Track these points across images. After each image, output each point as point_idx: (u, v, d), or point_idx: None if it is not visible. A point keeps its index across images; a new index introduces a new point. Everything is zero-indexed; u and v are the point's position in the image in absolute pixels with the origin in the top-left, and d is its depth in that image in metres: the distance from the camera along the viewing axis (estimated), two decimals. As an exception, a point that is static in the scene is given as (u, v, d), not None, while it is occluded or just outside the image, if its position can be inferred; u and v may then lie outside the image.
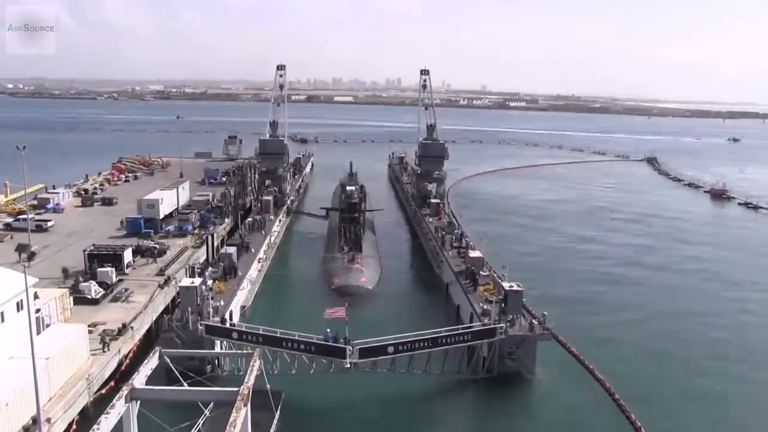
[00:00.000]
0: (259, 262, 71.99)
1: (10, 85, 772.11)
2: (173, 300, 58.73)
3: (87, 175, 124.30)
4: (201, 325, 48.55)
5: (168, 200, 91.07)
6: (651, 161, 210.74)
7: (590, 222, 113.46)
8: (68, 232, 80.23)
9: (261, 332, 47.22)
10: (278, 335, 46.88)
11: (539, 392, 48.76)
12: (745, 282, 78.96)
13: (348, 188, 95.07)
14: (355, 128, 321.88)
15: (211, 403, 34.83)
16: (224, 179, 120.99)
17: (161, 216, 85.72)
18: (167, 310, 57.44)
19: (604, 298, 70.41)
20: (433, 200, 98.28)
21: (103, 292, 57.79)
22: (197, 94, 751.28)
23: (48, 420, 36.61)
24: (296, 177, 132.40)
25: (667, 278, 79.05)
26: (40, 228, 79.42)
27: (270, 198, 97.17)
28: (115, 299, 57.51)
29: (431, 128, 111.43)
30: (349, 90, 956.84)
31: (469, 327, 51.15)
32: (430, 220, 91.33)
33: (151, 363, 34.94)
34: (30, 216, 78.41)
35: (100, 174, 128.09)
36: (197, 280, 52.10)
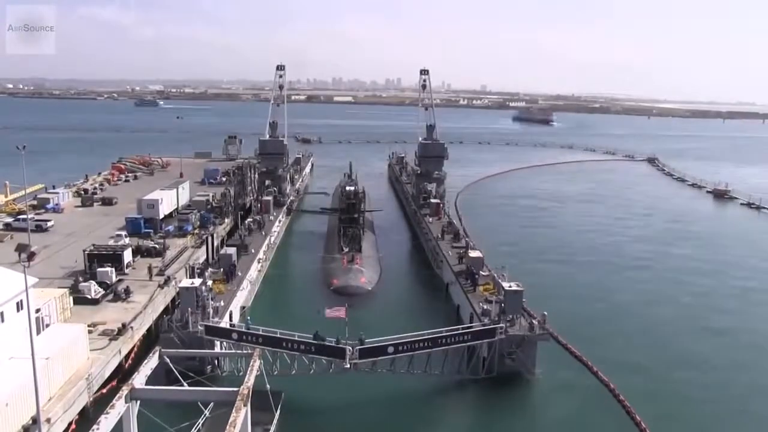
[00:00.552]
0: (258, 262, 72.00)
1: (10, 85, 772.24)
2: (173, 300, 58.83)
3: (87, 175, 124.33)
4: (201, 325, 48.54)
5: (168, 200, 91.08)
6: (652, 161, 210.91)
7: (591, 222, 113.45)
8: (68, 232, 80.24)
9: (261, 333, 47.20)
10: (278, 336, 46.89)
11: (539, 392, 48.74)
12: (750, 281, 78.88)
13: (347, 188, 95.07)
14: (358, 129, 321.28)
15: (211, 403, 34.89)
16: (224, 179, 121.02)
17: (161, 216, 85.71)
18: (167, 310, 57.59)
19: (604, 297, 70.30)
20: (432, 200, 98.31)
21: (103, 292, 57.80)
22: (197, 94, 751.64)
23: (48, 420, 36.62)
24: (296, 177, 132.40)
25: (668, 278, 79.02)
26: (39, 228, 79.44)
27: (270, 198, 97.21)
28: (114, 299, 57.54)
29: (431, 128, 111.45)
30: (348, 90, 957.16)
31: (469, 327, 51.15)
32: (430, 220, 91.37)
33: (151, 363, 34.97)
34: (30, 216, 78.39)
35: (100, 174, 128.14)
36: (197, 281, 52.12)
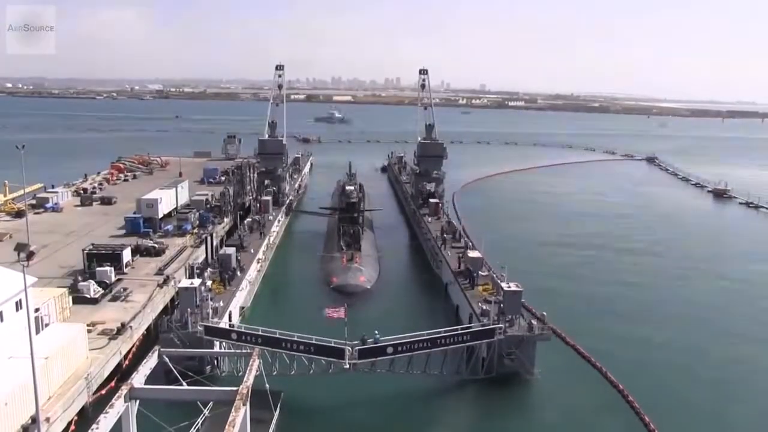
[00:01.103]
0: (258, 262, 72.00)
1: (9, 85, 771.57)
2: (172, 300, 58.85)
3: (86, 175, 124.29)
4: (200, 326, 48.55)
5: (167, 199, 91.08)
6: (651, 161, 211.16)
7: (591, 222, 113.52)
8: (67, 232, 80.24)
9: (260, 333, 47.21)
10: (277, 336, 46.90)
11: (538, 392, 48.78)
12: (751, 279, 79.03)
13: (347, 188, 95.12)
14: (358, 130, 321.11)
15: (211, 403, 34.89)
16: (223, 179, 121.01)
17: (160, 215, 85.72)
18: (166, 310, 57.60)
19: (604, 297, 70.38)
20: (432, 200, 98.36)
21: (102, 291, 57.79)
22: (196, 94, 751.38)
23: (47, 419, 36.61)
24: (295, 177, 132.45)
25: (669, 278, 79.14)
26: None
27: (269, 198, 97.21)
28: (114, 299, 57.55)
29: (430, 128, 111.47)
30: (348, 89, 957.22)
31: (468, 327, 51.15)
32: (429, 219, 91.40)
33: (150, 362, 34.97)
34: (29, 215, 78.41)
35: (99, 173, 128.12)
36: (196, 281, 52.08)
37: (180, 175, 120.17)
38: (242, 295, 62.72)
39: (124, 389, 30.74)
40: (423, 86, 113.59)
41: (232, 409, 29.08)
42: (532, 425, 45.59)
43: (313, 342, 46.04)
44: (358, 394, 46.65)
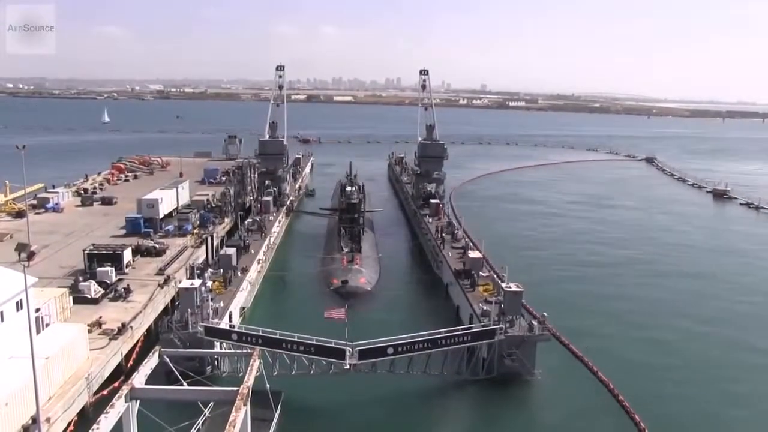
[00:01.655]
0: (258, 263, 72.01)
1: (10, 85, 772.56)
2: (173, 300, 58.88)
3: (87, 175, 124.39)
4: (200, 326, 48.56)
5: (168, 200, 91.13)
6: (650, 161, 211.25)
7: (591, 222, 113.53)
8: (68, 232, 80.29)
9: (260, 334, 47.20)
10: (277, 337, 46.89)
11: (539, 393, 48.76)
12: (751, 282, 78.87)
13: (347, 188, 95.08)
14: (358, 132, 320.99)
15: (211, 403, 34.92)
16: (224, 179, 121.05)
17: (161, 215, 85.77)
18: (167, 310, 57.63)
19: (605, 298, 70.33)
20: (432, 200, 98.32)
21: (103, 291, 57.82)
22: (197, 94, 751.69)
23: (47, 419, 36.63)
24: (296, 177, 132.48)
25: (670, 278, 79.06)
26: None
27: (269, 199, 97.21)
28: (114, 299, 57.59)
29: (431, 128, 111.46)
30: (348, 90, 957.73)
31: (469, 328, 51.12)
32: (430, 220, 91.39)
33: (150, 363, 34.95)
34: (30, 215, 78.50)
35: (99, 173, 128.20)
36: (197, 282, 52.09)
37: (181, 175, 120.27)
38: (243, 296, 62.72)
39: (124, 389, 30.76)
40: (424, 87, 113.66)
41: (233, 410, 29.09)
42: (532, 426, 45.56)
43: (314, 343, 46.00)
44: (359, 394, 46.62)
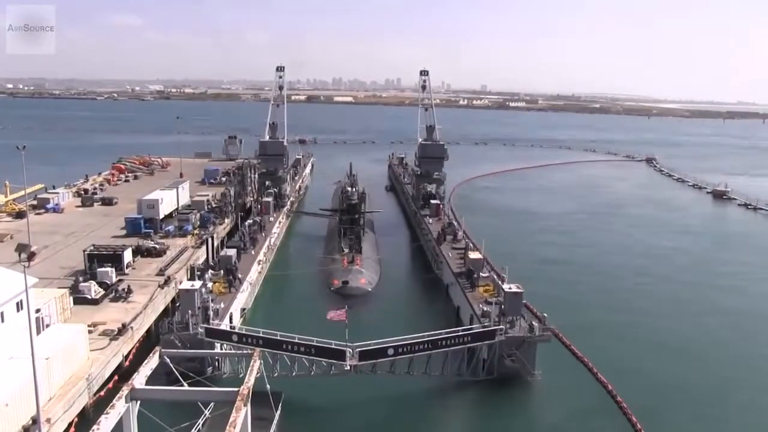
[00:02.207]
0: (259, 264, 72.00)
1: (10, 85, 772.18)
2: (173, 300, 58.85)
3: (87, 175, 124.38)
4: (201, 328, 48.54)
5: (168, 200, 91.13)
6: (650, 161, 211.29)
7: (591, 222, 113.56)
8: (68, 232, 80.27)
9: (261, 335, 47.19)
10: (278, 338, 46.87)
11: (539, 394, 48.74)
12: (752, 284, 78.73)
13: (348, 189, 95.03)
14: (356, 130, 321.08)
15: (212, 404, 34.88)
16: (224, 179, 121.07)
17: (161, 216, 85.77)
18: (167, 311, 57.60)
19: (605, 299, 70.31)
20: (433, 201, 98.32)
21: (103, 292, 57.81)
22: (197, 94, 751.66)
23: (48, 420, 36.64)
24: (296, 178, 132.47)
25: (670, 278, 79.06)
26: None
27: (270, 199, 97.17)
28: (115, 299, 57.57)
29: (431, 129, 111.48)
30: (348, 90, 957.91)
31: (469, 329, 51.10)
32: (430, 221, 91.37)
33: (151, 363, 34.94)
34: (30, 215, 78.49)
35: (100, 174, 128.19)
36: (197, 283, 52.10)
37: (181, 175, 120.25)
38: (243, 297, 62.68)
39: (125, 390, 30.75)
40: (424, 87, 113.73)
41: (233, 410, 29.08)
42: (532, 426, 45.57)
43: (314, 344, 46.02)
44: (359, 395, 46.60)
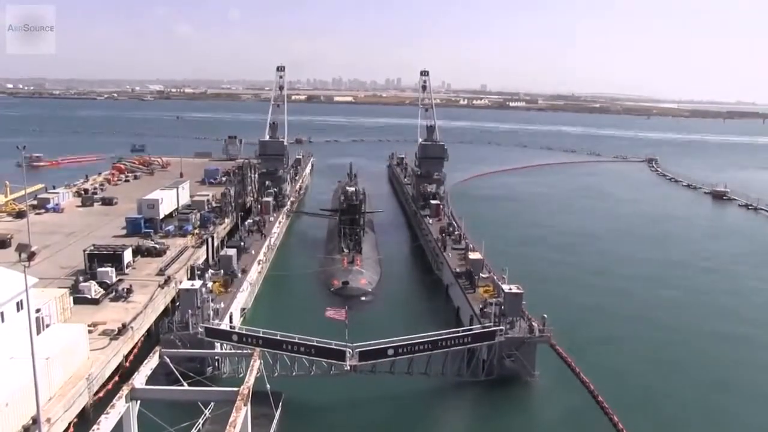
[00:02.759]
0: (259, 263, 72.02)
1: (10, 85, 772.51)
2: (173, 300, 58.86)
3: (87, 175, 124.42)
4: (201, 327, 48.57)
5: (168, 200, 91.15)
6: (650, 161, 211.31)
7: (591, 222, 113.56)
8: (68, 232, 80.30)
9: (261, 335, 47.22)
10: (278, 338, 46.91)
11: (538, 394, 48.81)
12: (749, 288, 78.62)
13: (348, 189, 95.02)
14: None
15: (212, 403, 34.91)
16: (224, 179, 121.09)
17: (161, 216, 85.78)
18: (167, 310, 57.60)
19: (604, 300, 70.16)
20: (433, 201, 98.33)
21: (103, 292, 57.83)
22: (197, 94, 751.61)
23: (48, 420, 36.65)
24: (296, 178, 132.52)
25: (670, 278, 79.07)
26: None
27: (270, 199, 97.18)
28: (115, 299, 57.59)
29: (431, 129, 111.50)
30: (348, 90, 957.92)
31: (469, 329, 51.16)
32: (430, 221, 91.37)
33: (151, 363, 34.92)
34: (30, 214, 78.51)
35: (100, 174, 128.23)
36: (197, 283, 52.11)
37: (181, 175, 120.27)
38: (243, 297, 62.71)
39: (125, 390, 30.74)
40: (424, 87, 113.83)
41: (233, 410, 29.09)
42: (532, 427, 45.63)
43: (314, 344, 46.07)
44: (359, 395, 46.66)
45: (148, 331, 53.78)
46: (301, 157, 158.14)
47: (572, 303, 67.39)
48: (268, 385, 34.99)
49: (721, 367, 54.26)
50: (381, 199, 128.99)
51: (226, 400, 30.97)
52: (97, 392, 43.42)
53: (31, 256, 67.13)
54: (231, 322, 54.95)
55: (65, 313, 50.95)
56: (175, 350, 41.83)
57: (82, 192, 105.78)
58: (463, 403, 48.20)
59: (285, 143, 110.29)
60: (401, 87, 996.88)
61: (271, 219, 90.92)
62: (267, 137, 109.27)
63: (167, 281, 62.21)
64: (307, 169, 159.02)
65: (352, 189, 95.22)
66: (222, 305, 54.48)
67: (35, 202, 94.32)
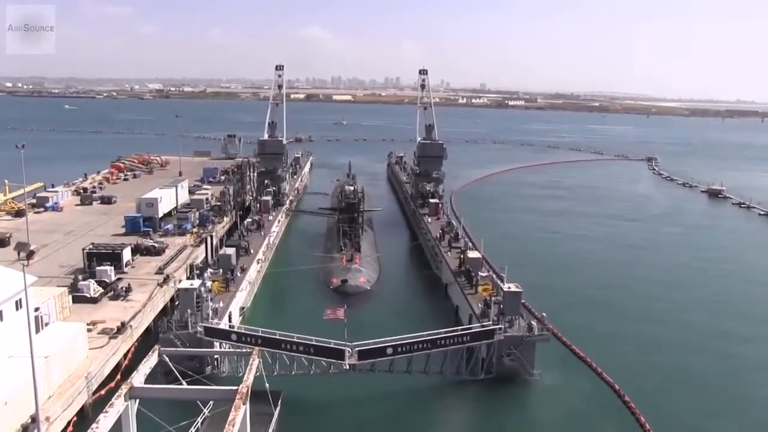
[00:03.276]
0: (258, 262, 72.02)
1: (9, 84, 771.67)
2: (172, 299, 58.89)
3: (86, 174, 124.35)
4: (200, 326, 48.57)
5: (167, 199, 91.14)
6: (650, 161, 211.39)
7: (591, 222, 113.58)
8: (67, 231, 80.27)
9: (260, 334, 47.22)
10: (277, 337, 46.91)
11: (537, 393, 48.80)
12: (748, 279, 78.87)
13: (347, 188, 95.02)
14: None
15: (210, 402, 34.94)
16: (223, 178, 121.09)
17: (160, 215, 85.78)
18: (166, 309, 57.63)
19: (604, 298, 70.15)
20: (432, 200, 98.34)
21: (102, 290, 57.83)
22: (196, 93, 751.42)
23: (47, 419, 36.67)
24: (295, 177, 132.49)
25: (669, 278, 79.12)
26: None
27: (269, 198, 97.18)
28: (114, 298, 57.60)
29: (430, 128, 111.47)
30: (347, 89, 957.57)
31: (468, 328, 51.15)
32: (429, 220, 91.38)
33: (150, 362, 34.98)
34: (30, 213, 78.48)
35: (99, 173, 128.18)
36: (196, 282, 52.07)
37: (180, 174, 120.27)
38: (242, 296, 62.73)
39: (124, 388, 30.78)
40: (423, 86, 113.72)
41: (232, 409, 29.12)
42: (531, 426, 45.64)
43: (313, 343, 46.06)
44: (358, 394, 46.67)
45: (147, 329, 53.80)
46: (300, 155, 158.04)
47: (571, 301, 67.38)
48: (267, 384, 35.04)
49: (721, 366, 54.09)
50: (380, 198, 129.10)
51: (225, 399, 31.01)
52: (96, 391, 43.41)
53: (30, 254, 66.56)
54: (230, 321, 55.00)
55: (64, 311, 50.93)
56: (174, 349, 41.87)
57: (81, 191, 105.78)
58: (462, 401, 48.22)
59: (284, 142, 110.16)
60: (400, 85, 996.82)
61: (270, 218, 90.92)
62: (266, 136, 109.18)
63: (166, 280, 62.23)
64: (306, 168, 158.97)
65: (351, 187, 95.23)
66: (221, 304, 54.48)
67: (34, 201, 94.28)
